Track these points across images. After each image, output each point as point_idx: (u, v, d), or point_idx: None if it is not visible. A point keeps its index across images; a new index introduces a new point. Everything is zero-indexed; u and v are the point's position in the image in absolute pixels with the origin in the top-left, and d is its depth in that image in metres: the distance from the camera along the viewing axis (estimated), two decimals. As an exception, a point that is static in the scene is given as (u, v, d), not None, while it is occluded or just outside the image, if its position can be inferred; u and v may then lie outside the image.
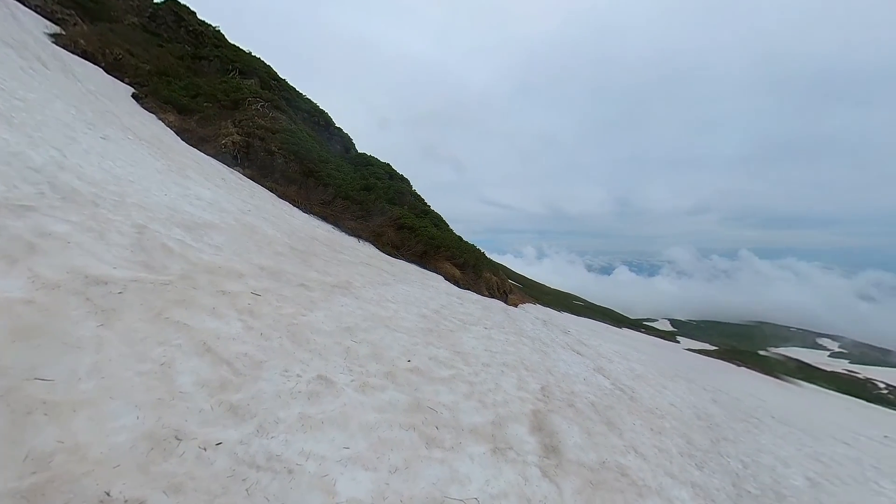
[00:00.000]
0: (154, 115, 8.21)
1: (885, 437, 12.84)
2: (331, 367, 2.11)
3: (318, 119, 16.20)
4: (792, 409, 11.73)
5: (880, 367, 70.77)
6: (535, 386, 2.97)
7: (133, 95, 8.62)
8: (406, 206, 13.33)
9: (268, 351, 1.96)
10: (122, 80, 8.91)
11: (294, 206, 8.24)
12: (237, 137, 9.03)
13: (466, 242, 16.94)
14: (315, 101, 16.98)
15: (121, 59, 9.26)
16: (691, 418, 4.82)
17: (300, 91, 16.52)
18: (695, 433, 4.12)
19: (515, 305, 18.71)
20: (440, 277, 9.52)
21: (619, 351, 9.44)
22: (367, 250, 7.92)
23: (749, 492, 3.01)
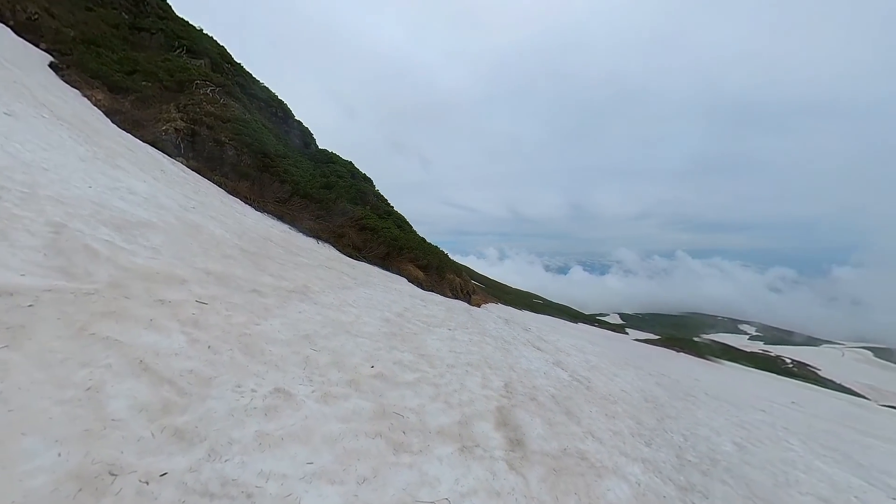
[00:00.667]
0: (78, 91, 7.10)
1: (792, 402, 14.95)
2: (289, 378, 1.99)
3: (275, 109, 15.03)
4: (721, 386, 13.16)
5: (786, 346, 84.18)
6: (498, 383, 3.04)
7: (51, 65, 7.42)
8: (368, 207, 12.95)
9: (217, 366, 1.81)
10: (37, 46, 7.64)
11: (246, 203, 7.60)
12: (181, 124, 8.12)
13: (430, 244, 16.91)
14: (273, 91, 15.74)
15: (36, 19, 7.93)
16: (640, 401, 5.19)
17: (257, 78, 15.28)
18: (643, 414, 4.44)
19: (478, 305, 19.04)
20: (403, 280, 9.42)
21: (576, 345, 9.95)
22: (327, 252, 7.57)
23: (689, 461, 3.31)
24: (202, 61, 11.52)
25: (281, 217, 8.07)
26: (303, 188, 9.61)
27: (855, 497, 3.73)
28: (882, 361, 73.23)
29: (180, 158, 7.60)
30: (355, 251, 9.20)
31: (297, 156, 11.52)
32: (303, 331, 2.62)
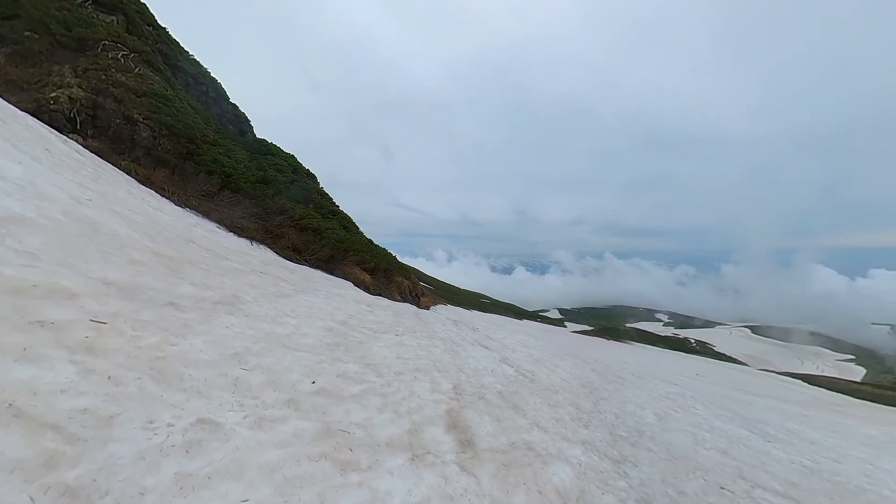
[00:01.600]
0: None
1: (697, 374, 17.50)
2: (215, 405, 1.77)
3: (206, 88, 13.10)
4: (644, 366, 14.83)
5: (691, 329, 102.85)
6: (447, 386, 3.04)
7: None
8: (311, 205, 12.05)
9: (121, 400, 1.53)
10: None
11: (163, 196, 6.53)
12: (78, 92, 6.68)
13: (378, 246, 16.40)
14: (207, 67, 13.55)
15: None
16: (578, 388, 5.58)
17: (186, 49, 12.99)
18: (581, 399, 4.77)
19: (427, 308, 18.98)
20: (349, 284, 9.02)
21: (521, 340, 10.39)
22: (262, 255, 6.90)
23: (621, 435, 3.63)
24: (114, 18, 9.68)
25: (207, 214, 7.12)
26: (235, 181, 8.58)
27: (743, 445, 4.40)
28: (757, 336, 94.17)
29: (74, 136, 6.25)
30: (295, 254, 8.51)
31: (229, 144, 10.16)
32: (231, 348, 2.35)
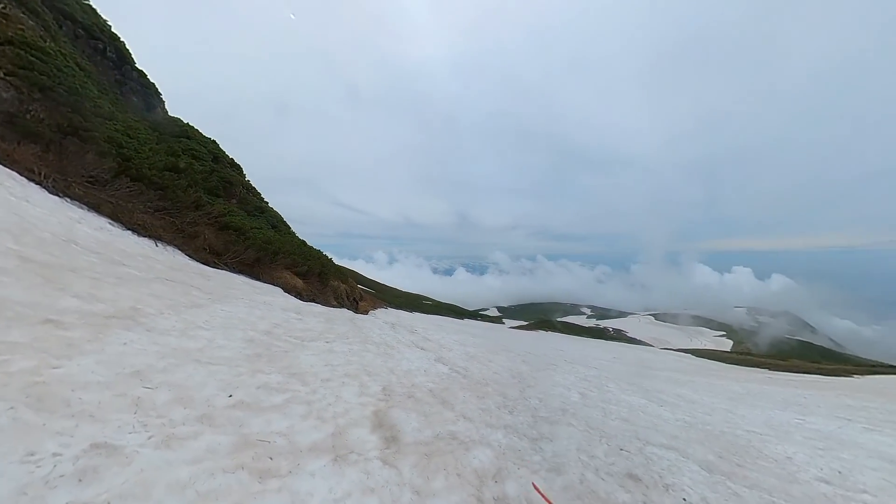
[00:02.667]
0: None
1: (614, 358, 19.83)
2: (112, 428, 1.64)
3: (104, 46, 10.49)
4: (574, 354, 16.31)
5: (609, 319, 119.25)
6: (376, 388, 3.11)
7: None
8: (235, 200, 10.72)
9: (-13, 434, 1.36)
10: None
11: (32, 180, 5.31)
12: None
13: (312, 248, 15.47)
14: (107, 19, 10.82)
15: None
16: (508, 379, 6.01)
17: None
18: (509, 389, 5.16)
19: (366, 312, 18.48)
20: (278, 290, 8.46)
21: (459, 340, 10.73)
22: (171, 259, 6.08)
23: (542, 416, 4.01)
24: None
25: (97, 207, 5.85)
26: (137, 166, 7.09)
27: (641, 412, 5.17)
28: (658, 322, 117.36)
29: None
30: (214, 257, 7.60)
31: (132, 120, 8.47)
32: (130, 367, 2.16)
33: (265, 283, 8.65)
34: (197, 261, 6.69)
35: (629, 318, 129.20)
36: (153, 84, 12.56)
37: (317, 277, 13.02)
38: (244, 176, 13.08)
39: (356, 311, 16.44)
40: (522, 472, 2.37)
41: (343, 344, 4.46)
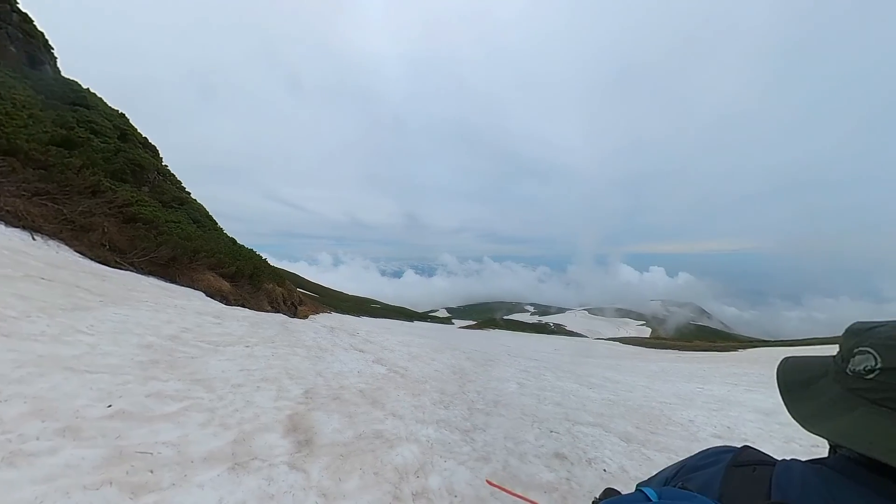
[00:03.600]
0: None
1: (555, 349, 21.10)
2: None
3: None
4: (519, 348, 16.98)
5: (550, 315, 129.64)
6: (297, 392, 2.90)
7: None
8: (147, 188, 9.15)
9: None
10: None
11: None
12: None
13: (242, 247, 14.16)
14: None
15: None
16: (448, 375, 6.03)
17: None
18: (448, 385, 5.18)
19: (306, 317, 17.41)
20: (199, 293, 7.57)
21: (404, 341, 10.54)
22: (51, 255, 5.17)
23: (478, 408, 4.07)
24: None
25: None
26: (10, 137, 5.84)
27: (572, 395, 5.49)
28: (592, 315, 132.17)
29: None
30: (115, 255, 6.53)
31: (4, 74, 7.00)
32: (-34, 381, 1.75)
33: (183, 285, 7.73)
34: (91, 258, 5.69)
35: (567, 313, 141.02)
36: (41, 33, 9.78)
37: (247, 280, 12.00)
38: (160, 160, 11.23)
39: (295, 315, 15.48)
40: (449, 465, 2.36)
41: (266, 348, 4.11)
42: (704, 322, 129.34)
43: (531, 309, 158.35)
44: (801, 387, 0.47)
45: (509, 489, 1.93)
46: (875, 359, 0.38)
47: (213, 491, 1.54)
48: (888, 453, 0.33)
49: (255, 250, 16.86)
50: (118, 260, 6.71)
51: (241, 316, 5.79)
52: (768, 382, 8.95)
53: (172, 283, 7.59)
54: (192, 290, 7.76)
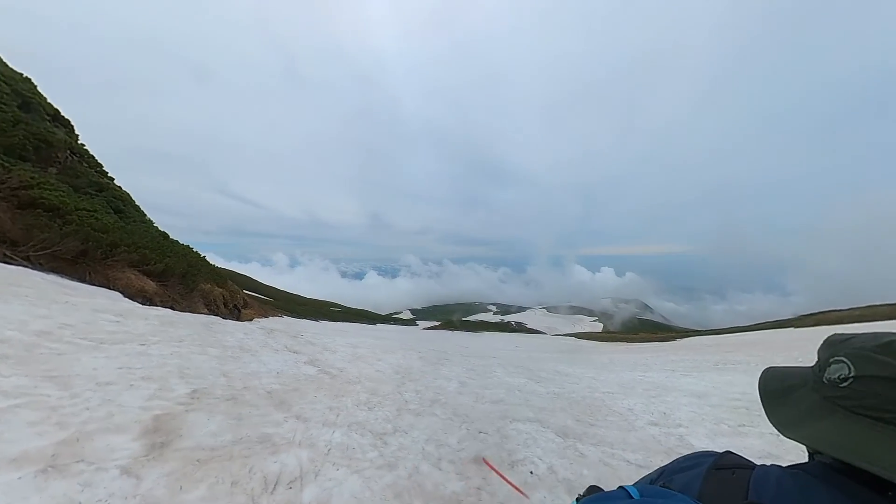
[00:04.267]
0: None
1: (516, 346, 21.50)
2: None
3: None
4: (478, 347, 16.99)
5: (511, 314, 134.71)
6: (183, 391, 2.53)
7: None
8: (55, 169, 7.89)
9: None
10: None
11: None
12: None
13: (176, 243, 12.91)
14: None
15: None
16: (390, 376, 5.74)
17: None
18: (384, 386, 4.90)
19: (250, 320, 16.31)
20: (115, 294, 6.68)
21: (355, 342, 10.04)
22: None
23: (410, 409, 3.82)
24: None
25: None
26: None
27: (518, 391, 5.43)
28: (550, 313, 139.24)
29: None
30: (5, 247, 5.73)
31: None
32: None
33: (95, 284, 6.81)
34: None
35: (527, 311, 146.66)
36: None
37: (179, 279, 10.97)
38: (74, 137, 9.83)
39: (238, 319, 14.51)
40: (338, 474, 2.06)
41: (168, 347, 3.63)
42: (647, 316, 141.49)
43: (493, 309, 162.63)
44: (780, 395, 0.49)
45: (503, 474, 1.73)
46: (848, 368, 0.41)
47: (2, 496, 1.21)
48: (861, 458, 0.37)
49: (192, 247, 15.51)
50: (8, 253, 5.78)
51: (153, 315, 5.15)
52: (700, 367, 9.55)
53: (81, 281, 6.67)
54: (108, 289, 6.87)
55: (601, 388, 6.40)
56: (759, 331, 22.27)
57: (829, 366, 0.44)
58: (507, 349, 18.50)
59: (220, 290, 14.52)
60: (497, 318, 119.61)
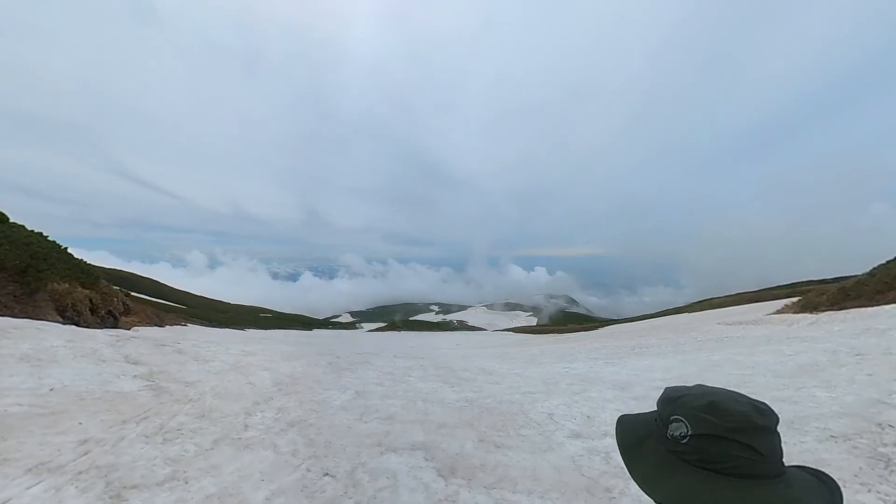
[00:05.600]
0: None
1: (457, 344, 20.74)
2: None
3: None
4: (418, 347, 16.26)
5: (453, 313, 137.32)
6: None
7: None
8: None
9: None
10: None
11: None
12: None
13: (17, 228, 10.16)
14: None
15: None
16: (262, 389, 4.45)
17: None
18: (233, 403, 3.59)
19: (128, 328, 13.47)
20: None
21: (252, 350, 8.24)
22: None
23: (237, 438, 2.65)
24: None
25: None
26: None
27: (422, 401, 4.40)
28: (490, 311, 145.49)
29: None
30: None
31: None
32: None
33: None
34: None
35: (468, 310, 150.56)
36: None
37: (17, 276, 8.18)
38: None
39: (115, 327, 11.57)
40: None
41: None
42: (574, 309, 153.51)
43: (436, 308, 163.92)
44: (635, 448, 0.52)
45: None
46: (686, 426, 0.49)
47: None
48: None
49: (45, 234, 12.24)
50: None
51: None
52: (619, 352, 9.52)
53: None
54: None
55: (523, 388, 5.60)
56: (662, 317, 25.79)
57: (671, 423, 0.51)
58: (447, 347, 17.70)
59: (87, 291, 11.42)
60: (439, 318, 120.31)
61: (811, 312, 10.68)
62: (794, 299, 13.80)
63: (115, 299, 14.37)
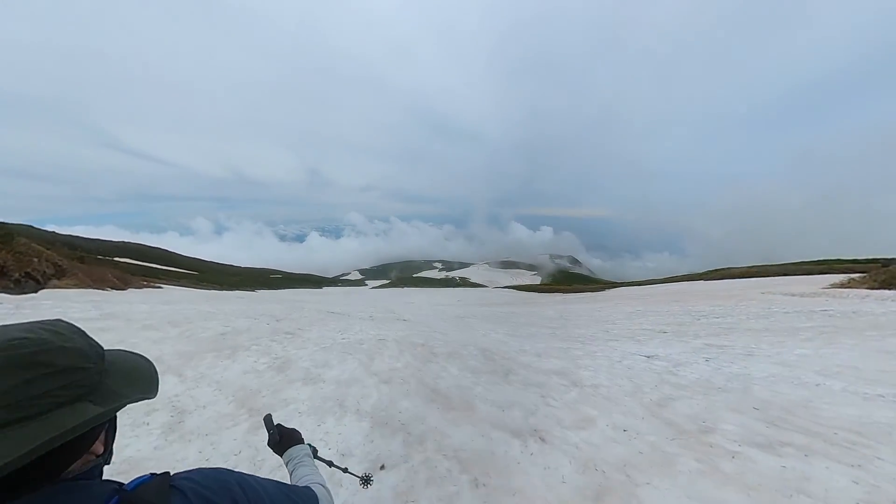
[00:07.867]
0: None
1: (458, 300, 20.38)
2: None
3: None
4: (419, 304, 16.06)
5: (456, 270, 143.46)
6: None
7: None
8: None
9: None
10: None
11: None
12: None
13: None
14: None
15: None
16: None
17: None
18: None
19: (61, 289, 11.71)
20: None
21: (244, 311, 7.55)
22: None
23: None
24: None
25: None
26: None
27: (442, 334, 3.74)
28: (492, 268, 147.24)
29: None
30: None
31: None
32: None
33: None
34: None
35: (471, 267, 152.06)
36: None
37: None
38: None
39: (34, 292, 9.85)
40: None
41: None
42: (577, 270, 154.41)
43: (439, 266, 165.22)
44: None
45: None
46: None
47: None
48: None
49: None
50: None
51: None
52: (681, 321, 7.01)
53: None
54: None
55: (526, 347, 4.81)
56: (680, 282, 24.36)
57: None
58: (446, 303, 17.25)
59: (36, 258, 10.23)
60: (442, 275, 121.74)
61: (889, 289, 8.80)
62: (857, 275, 11.41)
63: (37, 259, 12.34)
